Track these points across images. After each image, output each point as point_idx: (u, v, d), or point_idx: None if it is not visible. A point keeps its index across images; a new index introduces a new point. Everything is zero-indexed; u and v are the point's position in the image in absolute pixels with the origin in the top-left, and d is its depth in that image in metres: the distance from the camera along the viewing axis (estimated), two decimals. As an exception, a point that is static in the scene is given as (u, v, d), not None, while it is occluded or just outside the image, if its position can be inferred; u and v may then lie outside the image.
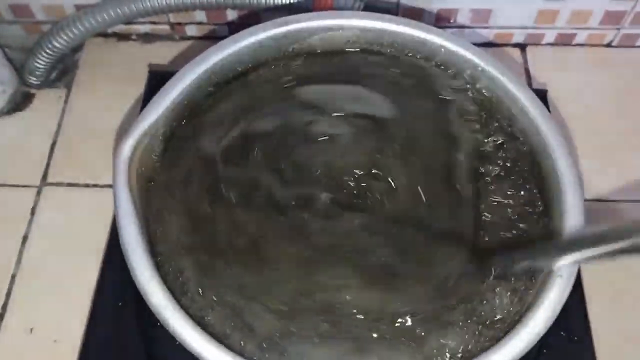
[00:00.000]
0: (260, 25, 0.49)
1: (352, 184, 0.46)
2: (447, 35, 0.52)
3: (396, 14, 0.64)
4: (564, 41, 0.67)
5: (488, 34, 0.67)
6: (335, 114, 0.49)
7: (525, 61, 0.66)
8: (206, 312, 0.40)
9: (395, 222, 0.45)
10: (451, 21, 0.65)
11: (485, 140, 0.49)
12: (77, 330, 0.51)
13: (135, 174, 0.40)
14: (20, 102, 0.64)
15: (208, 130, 0.47)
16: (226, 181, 0.45)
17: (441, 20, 0.65)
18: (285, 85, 0.51)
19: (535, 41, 0.67)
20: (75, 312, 0.52)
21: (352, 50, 0.53)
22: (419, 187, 0.46)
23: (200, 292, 0.41)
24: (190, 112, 0.48)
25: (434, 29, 0.54)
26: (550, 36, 0.67)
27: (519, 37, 0.67)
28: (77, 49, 0.67)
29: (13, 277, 0.54)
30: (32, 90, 0.65)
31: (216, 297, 0.41)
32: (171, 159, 0.46)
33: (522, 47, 0.67)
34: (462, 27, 0.66)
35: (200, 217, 0.44)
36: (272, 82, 0.50)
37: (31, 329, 0.52)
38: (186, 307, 0.39)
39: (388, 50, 0.53)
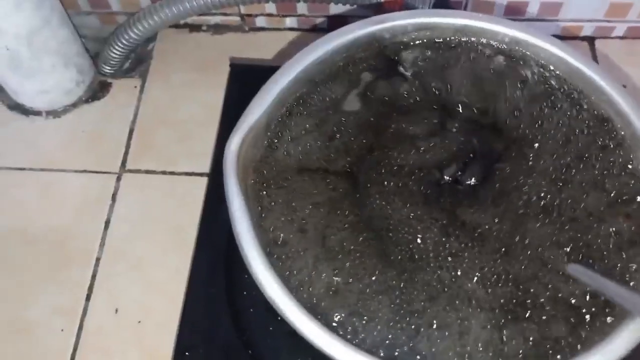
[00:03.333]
0: (357, 23, 0.50)
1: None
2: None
3: (465, 7, 0.64)
4: (635, 34, 0.66)
5: (556, 27, 0.67)
6: None
7: (595, 55, 0.66)
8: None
9: None
10: (521, 14, 0.65)
11: None
12: (161, 312, 0.53)
13: (242, 168, 0.42)
14: (98, 90, 0.66)
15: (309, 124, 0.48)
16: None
17: (510, 13, 0.65)
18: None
19: (605, 34, 0.67)
20: (159, 293, 0.54)
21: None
22: None
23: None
24: (292, 106, 0.49)
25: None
26: (620, 29, 0.66)
27: (587, 30, 0.67)
28: (150, 39, 0.69)
29: (97, 260, 0.56)
30: (109, 80, 0.67)
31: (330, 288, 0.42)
32: (276, 152, 0.47)
33: (590, 40, 0.67)
34: (531, 19, 0.66)
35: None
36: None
37: (116, 310, 0.54)
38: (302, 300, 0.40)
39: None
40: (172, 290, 0.54)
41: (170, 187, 0.60)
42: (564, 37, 0.67)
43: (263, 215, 0.44)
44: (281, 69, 0.46)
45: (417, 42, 0.52)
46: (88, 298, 0.55)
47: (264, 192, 0.44)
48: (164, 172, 0.61)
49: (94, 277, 0.56)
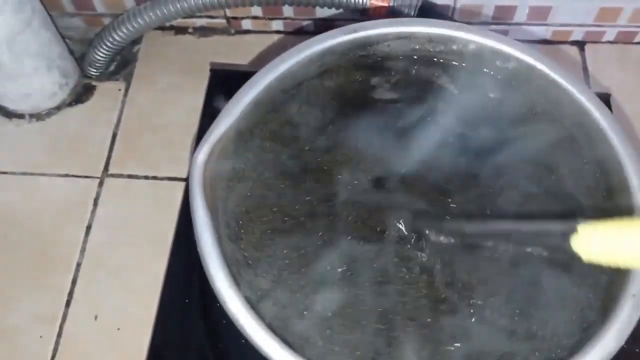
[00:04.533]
0: (330, 32, 0.50)
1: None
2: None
3: (453, 12, 0.64)
4: (625, 39, 0.66)
5: (545, 32, 0.66)
6: None
7: (584, 59, 0.65)
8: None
9: None
10: (509, 19, 0.64)
11: None
12: (140, 319, 0.53)
13: (210, 180, 0.41)
14: (82, 93, 0.66)
15: (280, 134, 0.47)
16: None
17: (498, 18, 0.64)
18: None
19: (595, 39, 0.66)
20: (138, 300, 0.54)
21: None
22: None
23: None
24: (262, 116, 0.48)
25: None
26: (610, 34, 0.65)
27: (577, 34, 0.66)
28: (136, 41, 0.68)
29: (78, 265, 0.56)
30: (93, 82, 0.66)
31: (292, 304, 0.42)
32: (245, 163, 0.47)
33: (580, 45, 0.66)
34: (519, 24, 0.65)
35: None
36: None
37: (95, 316, 0.54)
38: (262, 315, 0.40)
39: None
40: (150, 297, 0.54)
41: (152, 192, 0.59)
42: (554, 41, 0.66)
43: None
44: (252, 78, 0.45)
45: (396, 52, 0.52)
46: (68, 304, 0.54)
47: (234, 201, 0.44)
48: (146, 177, 0.60)
49: (74, 283, 0.55)
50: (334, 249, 0.46)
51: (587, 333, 0.40)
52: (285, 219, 0.46)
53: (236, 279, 0.39)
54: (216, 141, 0.41)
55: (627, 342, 0.39)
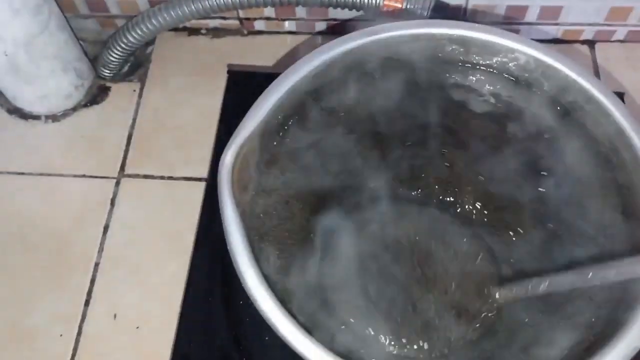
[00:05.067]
0: (351, 34, 0.50)
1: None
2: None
3: (465, 12, 0.64)
4: (635, 38, 0.66)
5: (556, 31, 0.66)
6: None
7: (595, 58, 0.66)
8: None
9: None
10: (520, 18, 0.65)
11: None
12: (159, 317, 0.54)
13: (238, 180, 0.42)
14: (97, 94, 0.66)
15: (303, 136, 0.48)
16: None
17: (510, 18, 0.65)
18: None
19: (605, 38, 0.67)
20: (157, 299, 0.54)
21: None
22: None
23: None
24: (286, 118, 0.49)
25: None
26: (620, 33, 0.66)
27: (588, 34, 0.66)
28: (149, 42, 0.69)
29: (96, 265, 0.57)
30: (108, 84, 0.67)
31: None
32: (270, 164, 0.47)
33: (591, 44, 0.67)
34: (531, 24, 0.65)
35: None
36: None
37: (115, 315, 0.54)
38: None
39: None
40: (170, 296, 0.54)
41: (168, 192, 0.60)
42: (564, 40, 0.67)
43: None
44: (276, 80, 0.46)
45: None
46: (87, 304, 0.55)
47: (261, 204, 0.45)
48: (162, 177, 0.61)
49: (92, 282, 0.56)
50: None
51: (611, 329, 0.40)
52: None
53: (266, 278, 0.39)
54: (242, 142, 0.42)
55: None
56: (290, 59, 0.60)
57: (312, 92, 0.48)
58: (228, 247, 0.40)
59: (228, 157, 0.41)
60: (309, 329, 0.39)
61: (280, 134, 0.49)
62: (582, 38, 0.67)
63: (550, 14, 0.64)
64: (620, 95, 0.61)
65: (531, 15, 0.64)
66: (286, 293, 0.42)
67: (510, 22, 0.65)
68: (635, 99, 0.62)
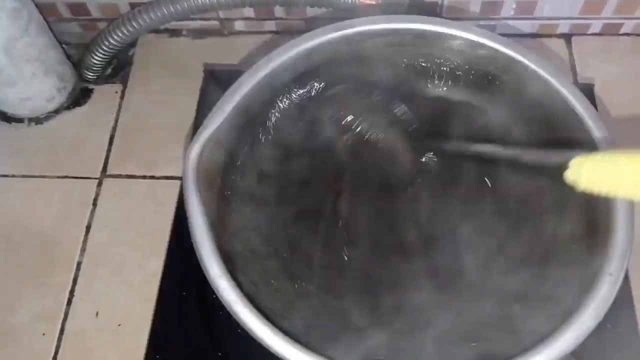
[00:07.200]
0: (315, 30, 0.51)
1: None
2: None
3: (441, 8, 0.65)
4: (611, 31, 0.67)
5: (532, 26, 0.67)
6: None
7: (571, 52, 0.66)
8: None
9: None
10: (496, 14, 0.65)
11: None
12: (140, 315, 0.54)
13: (203, 177, 0.43)
14: (80, 97, 0.67)
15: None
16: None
17: (485, 13, 0.65)
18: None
19: (581, 31, 0.67)
20: (138, 297, 0.55)
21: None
22: None
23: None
24: (252, 116, 0.50)
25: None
26: (596, 26, 0.67)
27: (563, 27, 0.67)
28: (131, 44, 0.69)
29: (79, 264, 0.57)
30: (90, 86, 0.68)
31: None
32: (235, 163, 0.48)
33: (567, 37, 0.68)
34: (506, 19, 0.66)
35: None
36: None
37: (96, 313, 0.55)
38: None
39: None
40: (150, 293, 0.55)
41: (150, 191, 0.61)
42: (540, 35, 0.68)
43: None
44: (242, 76, 0.47)
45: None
46: (69, 302, 0.56)
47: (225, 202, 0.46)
48: (144, 177, 0.62)
49: (75, 281, 0.57)
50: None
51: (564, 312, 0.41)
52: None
53: (230, 267, 0.40)
54: (208, 137, 0.42)
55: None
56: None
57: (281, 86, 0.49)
58: (192, 240, 0.40)
59: (193, 153, 0.42)
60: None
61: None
62: (558, 32, 0.68)
63: (526, 8, 0.65)
64: (590, 87, 0.62)
65: (507, 11, 0.65)
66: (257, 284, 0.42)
67: (486, 18, 0.66)
68: (611, 90, 0.63)
